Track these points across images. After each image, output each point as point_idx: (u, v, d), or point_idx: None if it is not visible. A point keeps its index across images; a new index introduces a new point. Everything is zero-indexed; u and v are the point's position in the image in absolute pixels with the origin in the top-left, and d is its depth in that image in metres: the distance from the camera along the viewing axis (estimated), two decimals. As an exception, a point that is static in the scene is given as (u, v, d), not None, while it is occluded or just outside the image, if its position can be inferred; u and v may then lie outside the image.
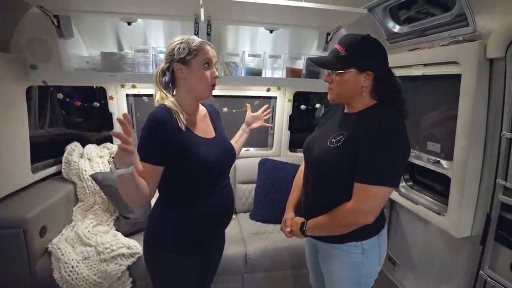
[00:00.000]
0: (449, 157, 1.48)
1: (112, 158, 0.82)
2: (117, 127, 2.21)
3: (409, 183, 1.84)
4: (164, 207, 1.09)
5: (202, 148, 1.06)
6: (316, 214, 1.09)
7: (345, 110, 1.11)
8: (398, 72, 1.59)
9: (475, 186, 1.34)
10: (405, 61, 1.61)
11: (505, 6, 1.09)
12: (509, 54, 1.13)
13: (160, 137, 0.97)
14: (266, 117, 1.48)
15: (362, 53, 0.98)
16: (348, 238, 1.05)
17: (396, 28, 1.67)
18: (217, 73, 1.09)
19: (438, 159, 1.56)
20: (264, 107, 1.49)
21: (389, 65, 1.03)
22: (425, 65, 1.51)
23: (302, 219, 1.15)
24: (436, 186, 1.67)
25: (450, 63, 1.35)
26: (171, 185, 1.05)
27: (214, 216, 1.13)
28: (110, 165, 0.83)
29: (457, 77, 1.32)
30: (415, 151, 1.70)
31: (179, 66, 1.04)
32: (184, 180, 1.05)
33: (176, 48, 1.03)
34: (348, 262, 1.08)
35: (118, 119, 0.78)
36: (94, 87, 2.09)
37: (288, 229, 1.19)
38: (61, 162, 2.01)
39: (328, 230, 1.06)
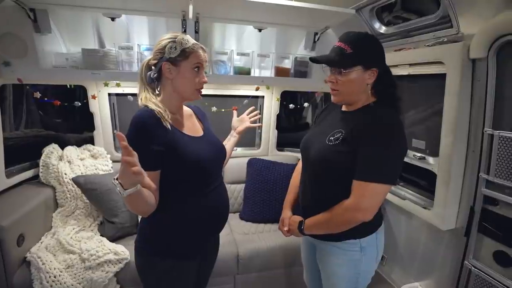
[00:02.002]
0: (434, 153, 1.54)
1: (116, 179, 0.77)
2: (99, 128, 2.11)
3: (395, 179, 1.90)
4: (156, 211, 1.01)
5: (192, 146, 1.02)
6: (314, 212, 1.08)
7: (343, 108, 1.11)
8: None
9: (459, 181, 1.40)
10: (391, 61, 1.65)
11: (487, 9, 1.15)
12: (491, 54, 1.19)
13: (147, 141, 0.92)
14: (253, 119, 1.44)
15: (367, 49, 0.98)
16: (347, 236, 1.05)
17: (383, 29, 1.72)
18: (206, 79, 1.05)
19: (423, 155, 1.62)
20: (251, 108, 1.47)
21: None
22: (410, 65, 1.56)
23: (300, 218, 1.15)
24: (421, 181, 1.73)
25: (435, 63, 1.41)
26: (162, 187, 0.99)
27: (209, 217, 1.10)
28: (117, 188, 0.78)
29: (442, 76, 1.37)
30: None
31: (168, 66, 0.99)
32: (175, 181, 1.01)
33: (167, 46, 0.98)
34: (347, 259, 1.08)
35: (121, 144, 0.73)
36: (68, 86, 1.96)
37: (286, 228, 1.19)
38: (38, 166, 1.89)
39: (326, 228, 1.06)
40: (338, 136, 1.01)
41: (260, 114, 2.40)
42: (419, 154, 1.64)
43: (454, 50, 1.29)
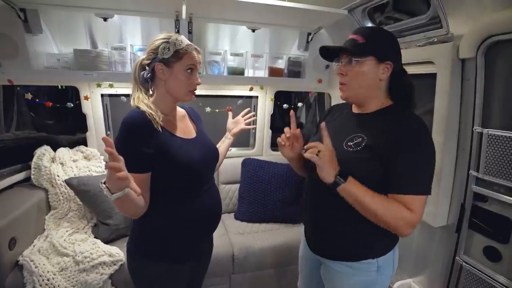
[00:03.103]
0: (425, 151, 1.57)
1: (103, 183, 0.77)
2: (92, 129, 2.10)
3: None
4: (148, 213, 1.00)
5: (183, 149, 1.02)
6: (326, 226, 0.99)
7: (355, 110, 1.01)
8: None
9: (450, 178, 1.43)
10: (383, 61, 1.69)
11: (476, 10, 1.18)
12: (479, 55, 1.22)
13: (136, 143, 0.92)
14: (248, 121, 1.43)
15: (382, 41, 0.91)
16: (365, 256, 0.95)
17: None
18: (199, 80, 1.04)
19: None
20: (246, 110, 1.46)
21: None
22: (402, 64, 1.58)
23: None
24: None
25: (426, 63, 1.43)
26: (154, 189, 0.98)
27: (201, 219, 1.09)
28: (104, 191, 0.78)
29: (433, 76, 1.40)
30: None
31: (160, 67, 0.99)
32: (167, 183, 1.00)
33: (160, 47, 0.97)
34: (362, 280, 0.97)
35: (106, 150, 0.72)
36: (60, 86, 1.93)
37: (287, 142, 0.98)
38: (29, 168, 1.86)
39: (373, 205, 0.84)
40: (359, 141, 0.90)
41: (255, 115, 2.42)
42: (411, 153, 1.67)
43: (444, 50, 1.31)
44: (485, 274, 1.28)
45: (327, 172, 0.85)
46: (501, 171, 1.21)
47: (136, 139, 0.92)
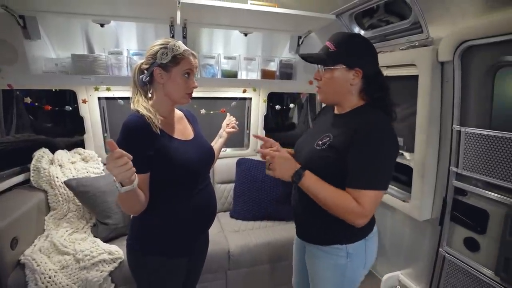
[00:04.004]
0: (410, 149, 1.65)
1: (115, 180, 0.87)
2: (90, 131, 2.14)
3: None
4: (146, 210, 1.06)
5: (182, 150, 1.07)
6: (305, 216, 1.10)
7: (335, 111, 1.09)
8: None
9: (433, 174, 1.51)
10: (370, 63, 1.77)
11: (453, 16, 1.26)
12: (456, 58, 1.30)
13: (138, 144, 0.97)
14: (230, 130, 1.43)
15: (351, 49, 0.97)
16: (333, 241, 1.04)
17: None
18: (196, 84, 1.10)
19: (401, 151, 1.73)
20: (227, 119, 1.45)
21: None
22: (387, 67, 1.67)
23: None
24: (400, 176, 1.84)
25: (409, 65, 1.52)
26: (152, 188, 1.04)
27: (197, 215, 1.15)
28: (116, 185, 0.87)
29: (415, 78, 1.48)
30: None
31: (159, 71, 1.04)
32: (165, 183, 1.06)
33: (159, 52, 1.02)
34: (332, 263, 1.06)
35: (116, 151, 0.80)
36: (54, 90, 1.99)
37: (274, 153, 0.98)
38: (28, 170, 1.91)
39: (323, 199, 0.94)
40: (326, 140, 1.00)
41: (247, 114, 2.48)
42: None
43: (425, 53, 1.40)
44: (466, 264, 1.37)
45: (281, 175, 0.96)
46: (478, 167, 1.29)
47: (136, 141, 0.98)
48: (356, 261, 1.05)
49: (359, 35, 1.04)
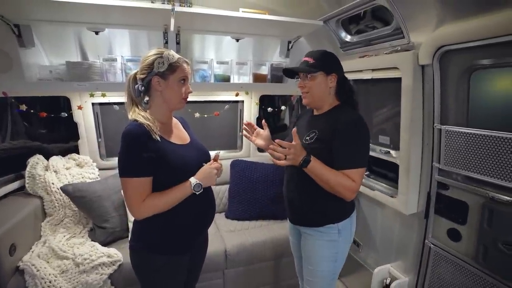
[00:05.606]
0: (396, 147, 1.74)
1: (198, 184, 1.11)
2: (84, 137, 2.16)
3: (366, 173, 2.10)
4: None
5: (180, 154, 1.14)
6: (300, 201, 1.31)
7: (314, 113, 1.37)
8: (351, 76, 1.86)
9: (417, 170, 1.60)
10: (356, 67, 1.86)
11: (432, 23, 1.36)
12: (435, 61, 1.40)
13: (141, 150, 1.03)
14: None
15: (326, 60, 1.27)
16: (327, 221, 1.28)
17: (348, 38, 1.92)
18: (191, 89, 1.19)
19: (388, 149, 1.83)
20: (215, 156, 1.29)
21: (344, 71, 1.33)
22: (373, 70, 1.76)
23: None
24: (388, 173, 1.94)
25: (393, 69, 1.61)
26: (155, 190, 1.10)
27: (198, 214, 1.21)
28: (198, 188, 1.11)
29: (399, 80, 1.57)
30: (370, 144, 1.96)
31: (157, 79, 1.10)
32: (167, 184, 1.11)
33: (156, 62, 1.09)
34: (327, 240, 1.30)
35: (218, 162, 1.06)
36: (48, 96, 2.01)
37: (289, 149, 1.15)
38: (22, 177, 1.91)
39: (326, 180, 1.17)
40: (313, 136, 1.25)
41: (240, 117, 2.54)
42: (384, 149, 1.85)
43: (406, 57, 1.49)
44: (449, 254, 1.46)
45: (294, 161, 1.16)
46: (458, 162, 1.39)
47: (138, 148, 1.03)
48: (345, 235, 1.31)
49: (326, 51, 1.31)
